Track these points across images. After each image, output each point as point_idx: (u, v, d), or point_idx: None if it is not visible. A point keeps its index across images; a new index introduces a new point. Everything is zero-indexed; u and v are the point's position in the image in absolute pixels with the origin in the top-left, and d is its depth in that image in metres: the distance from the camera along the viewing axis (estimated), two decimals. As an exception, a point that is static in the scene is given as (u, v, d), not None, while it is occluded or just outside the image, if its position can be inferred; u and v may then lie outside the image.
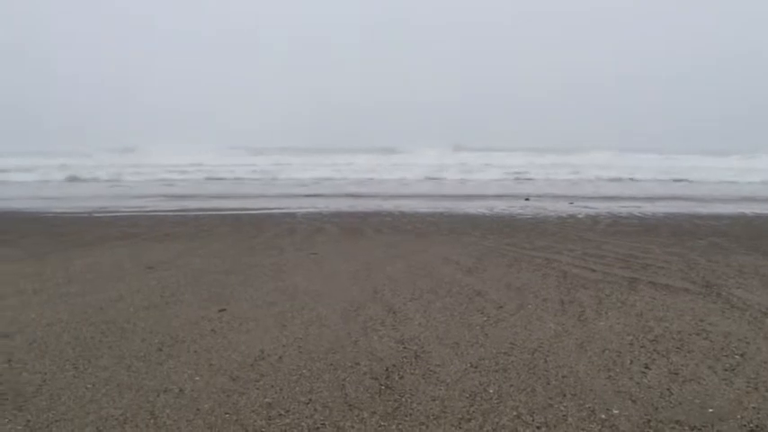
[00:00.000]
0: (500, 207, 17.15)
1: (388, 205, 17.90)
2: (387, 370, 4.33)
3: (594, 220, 14.05)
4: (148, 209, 17.92)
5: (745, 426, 3.44)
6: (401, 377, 4.19)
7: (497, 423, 3.43)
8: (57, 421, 3.62)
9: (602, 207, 16.99)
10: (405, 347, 4.81)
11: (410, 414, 3.57)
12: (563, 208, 16.86)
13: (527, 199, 19.50)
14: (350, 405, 3.73)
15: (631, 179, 30.60)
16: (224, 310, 6.11)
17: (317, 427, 3.43)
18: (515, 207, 17.15)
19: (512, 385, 4.02)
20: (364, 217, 15.00)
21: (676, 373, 4.26)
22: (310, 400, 3.83)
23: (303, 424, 3.48)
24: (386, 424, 3.44)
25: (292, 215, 15.58)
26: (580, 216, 14.84)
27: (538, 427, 3.38)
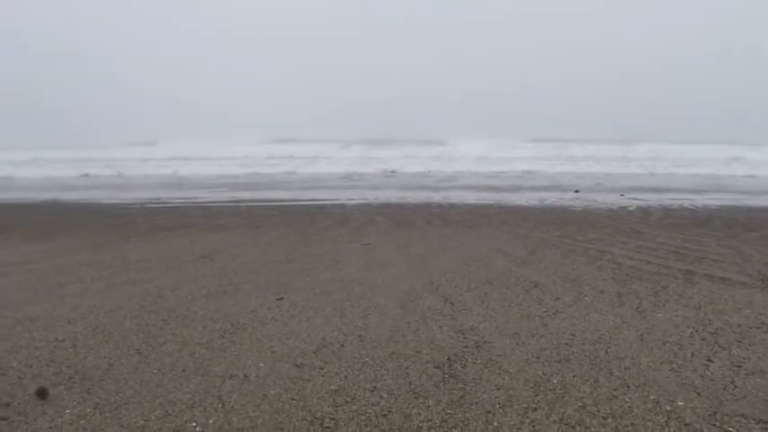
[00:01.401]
0: (550, 199, 17.05)
1: (437, 197, 17.92)
2: (449, 359, 4.34)
3: (645, 212, 13.90)
4: (201, 200, 18.15)
5: (812, 420, 3.39)
6: (464, 366, 4.19)
7: (563, 413, 3.42)
8: (125, 404, 3.70)
9: (653, 199, 16.81)
10: (465, 337, 4.81)
11: (476, 403, 3.58)
12: (613, 200, 16.70)
13: (577, 191, 19.34)
14: (415, 393, 3.75)
15: (671, 173, 30.00)
16: (282, 298, 6.17)
17: (384, 414, 3.45)
18: (565, 199, 17.04)
19: (575, 376, 4.01)
20: (414, 209, 15.03)
21: (739, 366, 4.21)
22: (375, 387, 3.86)
23: (370, 411, 3.51)
24: (452, 412, 3.45)
25: (342, 206, 15.67)
26: (631, 208, 14.69)
27: (604, 418, 3.37)
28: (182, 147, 44.35)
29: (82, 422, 3.47)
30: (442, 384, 3.88)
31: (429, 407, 3.54)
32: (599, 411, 3.46)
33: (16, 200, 19.70)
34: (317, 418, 3.42)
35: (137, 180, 28.28)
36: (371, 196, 18.26)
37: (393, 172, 31.03)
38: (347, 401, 3.66)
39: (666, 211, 14.07)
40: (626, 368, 4.15)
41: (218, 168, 34.14)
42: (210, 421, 3.44)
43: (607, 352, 4.47)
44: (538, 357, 4.36)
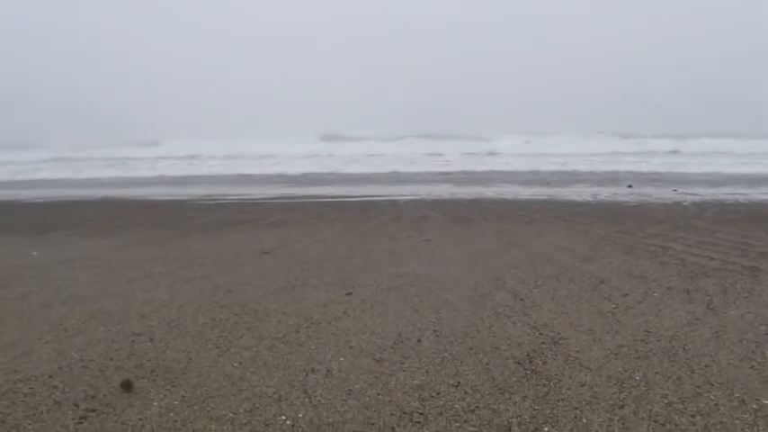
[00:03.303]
0: (603, 194, 16.90)
1: (490, 192, 17.87)
2: (528, 355, 4.35)
3: (701, 207, 13.71)
4: (254, 196, 18.34)
5: None
6: (544, 363, 4.20)
7: (650, 410, 3.42)
8: (211, 397, 3.77)
9: (707, 194, 16.56)
10: (540, 333, 4.82)
11: (562, 399, 3.59)
12: (667, 195, 16.50)
13: (630, 186, 19.14)
14: (499, 389, 3.77)
15: (723, 167, 29.37)
16: (351, 293, 6.23)
17: (472, 410, 3.48)
18: (619, 194, 16.87)
19: (656, 373, 4.00)
20: (467, 204, 15.03)
21: (820, 364, 4.17)
22: (459, 383, 3.89)
23: (457, 406, 3.54)
24: (539, 408, 3.47)
25: (395, 202, 15.72)
26: (685, 204, 14.51)
27: (692, 416, 3.37)
28: (232, 145, 44.69)
29: (171, 414, 3.55)
30: (525, 380, 3.90)
31: (516, 403, 3.56)
32: (686, 409, 3.45)
33: (74, 197, 20.07)
34: (405, 413, 3.46)
35: (189, 178, 28.58)
36: (423, 192, 18.28)
37: (445, 166, 30.97)
38: (433, 396, 3.69)
39: (722, 206, 13.87)
40: (706, 365, 4.12)
41: (270, 166, 34.35)
42: (300, 415, 3.49)
43: (684, 349, 4.45)
44: (616, 354, 4.36)
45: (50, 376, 4.18)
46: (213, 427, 3.39)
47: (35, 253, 9.23)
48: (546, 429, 3.23)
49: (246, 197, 18.12)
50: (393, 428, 3.29)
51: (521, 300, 5.86)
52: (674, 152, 36.54)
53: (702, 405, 3.50)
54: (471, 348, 4.52)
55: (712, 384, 3.80)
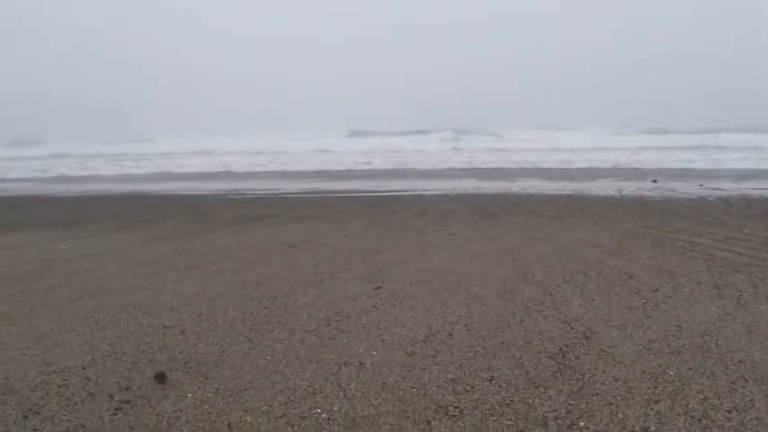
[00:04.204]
0: (628, 189, 16.79)
1: (515, 187, 17.81)
2: (560, 350, 4.35)
3: (726, 202, 13.59)
4: (277, 191, 18.40)
5: None
6: (577, 357, 4.20)
7: (686, 406, 3.41)
8: (245, 389, 3.80)
9: (732, 189, 16.40)
10: (572, 328, 4.82)
11: (596, 394, 3.58)
12: (693, 190, 16.37)
13: (654, 181, 19.00)
14: (533, 383, 3.77)
15: (750, 163, 29.04)
16: (380, 287, 6.24)
17: (507, 404, 3.48)
18: (644, 189, 16.76)
19: (690, 368, 3.98)
20: (492, 199, 14.99)
21: None
22: (492, 377, 3.89)
23: (492, 400, 3.54)
24: (575, 403, 3.47)
25: (420, 197, 15.72)
26: (711, 198, 14.40)
27: (728, 412, 3.35)
28: (252, 141, 44.86)
29: (205, 406, 3.58)
30: (558, 375, 3.90)
31: (551, 397, 3.56)
32: (722, 405, 3.44)
33: (98, 192, 20.21)
34: (440, 407, 3.47)
35: (213, 173, 28.70)
36: (447, 187, 18.24)
37: (468, 162, 30.88)
38: (467, 390, 3.69)
39: (747, 201, 13.74)
40: (740, 361, 4.10)
41: (289, 160, 34.45)
42: (335, 408, 3.50)
43: (717, 344, 4.43)
44: (649, 349, 4.34)
45: (83, 368, 4.23)
46: (248, 419, 3.41)
47: (63, 247, 9.31)
48: (582, 424, 3.23)
49: (269, 192, 18.17)
50: (429, 422, 3.29)
51: (550, 294, 5.85)
52: (699, 147, 36.23)
53: (738, 401, 3.49)
54: (503, 342, 4.52)
55: (747, 380, 3.78)
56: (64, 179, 27.26)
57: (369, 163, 31.43)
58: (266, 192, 18.28)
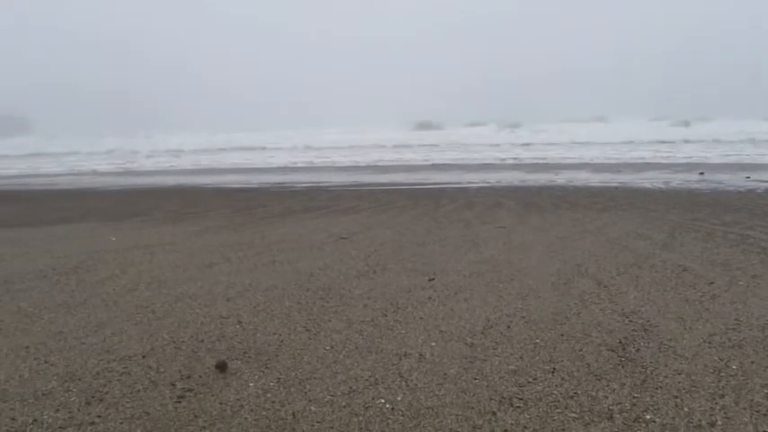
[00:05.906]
0: (675, 181, 16.67)
1: (560, 180, 17.74)
2: (620, 342, 4.33)
3: (775, 194, 13.44)
4: (324, 183, 18.51)
5: None
6: (637, 350, 4.18)
7: (752, 401, 3.37)
8: (308, 379, 3.84)
9: (780, 181, 16.20)
10: (630, 321, 4.80)
11: (660, 387, 3.56)
12: (740, 182, 16.19)
13: (701, 173, 18.80)
14: (595, 375, 3.76)
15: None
16: (433, 279, 6.27)
17: (571, 396, 3.48)
18: (691, 181, 16.62)
19: (753, 362, 3.94)
20: (538, 191, 14.96)
21: None
22: (554, 369, 3.89)
23: (555, 392, 3.54)
24: (639, 396, 3.46)
25: (465, 190, 15.71)
26: (759, 191, 14.22)
27: (794, 407, 3.33)
28: (304, 136, 45.21)
29: (268, 395, 3.62)
30: (620, 368, 3.88)
31: (614, 390, 3.54)
32: (788, 400, 3.41)
33: (146, 185, 20.48)
34: (504, 398, 3.48)
35: (261, 166, 28.92)
36: (492, 179, 18.24)
37: (513, 153, 30.79)
38: (530, 382, 3.70)
39: (796, 193, 13.59)
40: (803, 356, 4.07)
41: (335, 154, 34.61)
42: (398, 398, 3.53)
43: (778, 338, 4.40)
44: (709, 342, 4.31)
45: (144, 356, 4.31)
46: (313, 408, 3.44)
47: (113, 238, 9.47)
48: (648, 417, 3.21)
49: (317, 184, 18.28)
50: (494, 413, 3.31)
51: (605, 287, 5.83)
52: (746, 140, 35.67)
53: (804, 396, 3.45)
54: (562, 335, 4.52)
55: (812, 375, 3.74)
56: (112, 173, 27.65)
57: (413, 158, 31.41)
58: (314, 184, 18.40)
